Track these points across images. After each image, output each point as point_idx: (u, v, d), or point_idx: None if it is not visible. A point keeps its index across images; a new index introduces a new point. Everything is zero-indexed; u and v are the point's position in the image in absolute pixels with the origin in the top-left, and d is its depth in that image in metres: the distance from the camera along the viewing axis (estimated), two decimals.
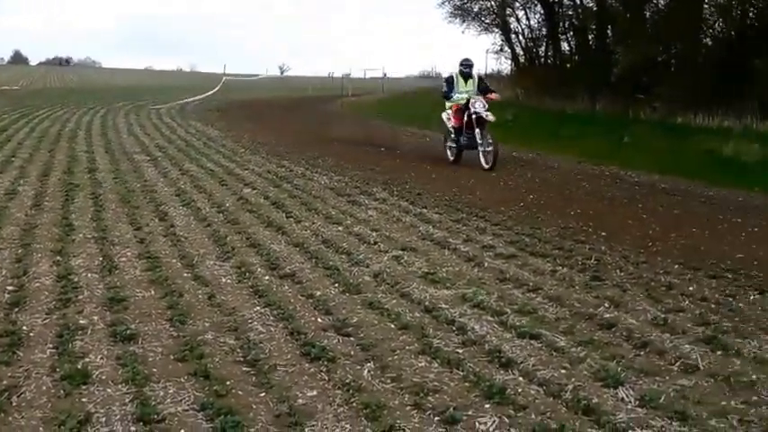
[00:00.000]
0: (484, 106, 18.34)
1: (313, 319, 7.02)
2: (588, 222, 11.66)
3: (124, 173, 15.55)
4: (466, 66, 19.24)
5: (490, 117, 18.27)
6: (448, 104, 19.23)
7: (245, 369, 5.85)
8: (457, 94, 18.94)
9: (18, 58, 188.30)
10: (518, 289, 8.07)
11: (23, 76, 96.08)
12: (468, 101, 18.49)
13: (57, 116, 32.06)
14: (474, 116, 18.18)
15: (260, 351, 6.17)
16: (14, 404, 5.14)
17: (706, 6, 30.40)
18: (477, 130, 18.12)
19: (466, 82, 19.15)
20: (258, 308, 7.26)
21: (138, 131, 25.82)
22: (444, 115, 19.36)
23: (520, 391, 5.55)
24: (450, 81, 19.45)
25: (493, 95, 19.47)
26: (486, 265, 9.00)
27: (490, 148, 17.93)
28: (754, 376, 5.82)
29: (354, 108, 42.75)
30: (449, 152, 19.55)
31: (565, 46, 39.44)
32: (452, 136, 19.17)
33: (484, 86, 19.57)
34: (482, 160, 18.02)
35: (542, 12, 39.50)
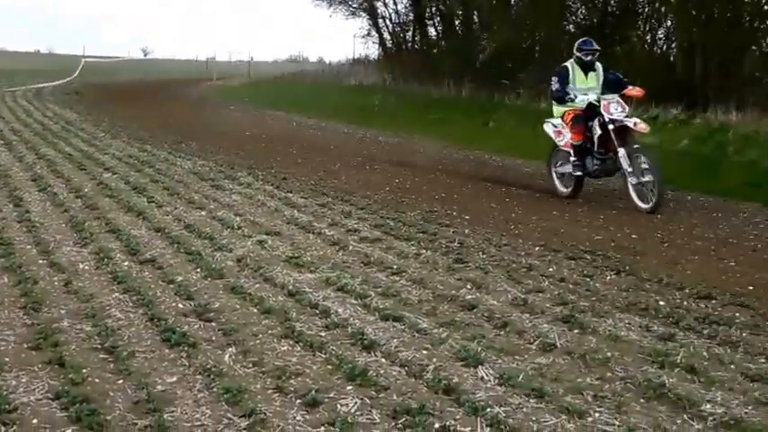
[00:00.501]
0: (624, 110, 12.36)
1: (174, 304, 6.92)
2: (452, 206, 11.77)
3: None
4: (587, 52, 13.15)
5: (641, 126, 12.19)
6: (558, 110, 13.24)
7: (102, 356, 5.72)
8: (578, 95, 12.83)
9: None
10: (382, 272, 8.09)
11: None
12: (595, 104, 12.60)
13: None
14: (613, 126, 12.18)
15: (118, 338, 6.05)
16: None
17: None
18: (620, 150, 12.03)
19: (587, 75, 13.17)
20: (117, 294, 7.12)
21: None
22: (550, 127, 13.45)
23: (382, 372, 5.56)
24: (562, 75, 13.18)
25: (634, 91, 12.88)
26: (350, 248, 9.01)
27: (648, 178, 11.74)
28: (608, 353, 5.95)
29: (220, 92, 42.33)
30: (558, 182, 13.35)
31: (432, 31, 39.80)
32: (572, 158, 12.75)
33: (614, 78, 13.15)
34: (634, 196, 11.96)
35: None
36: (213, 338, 6.15)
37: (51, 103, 30.78)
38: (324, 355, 5.84)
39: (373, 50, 46.22)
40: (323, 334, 6.30)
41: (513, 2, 34.19)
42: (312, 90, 38.07)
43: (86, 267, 7.95)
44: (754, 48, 24.72)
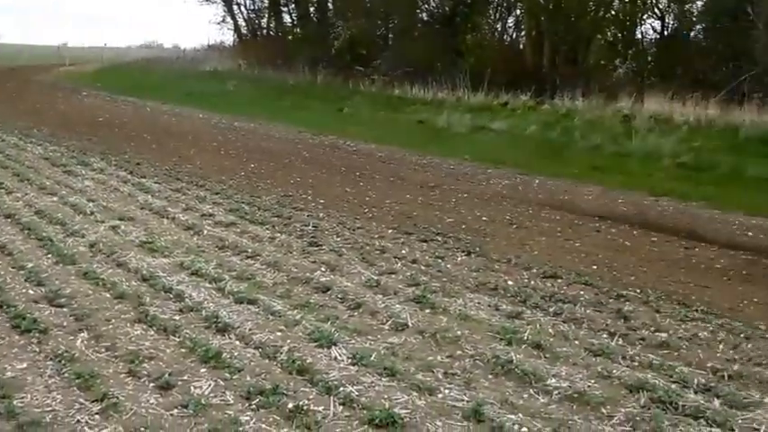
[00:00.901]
0: None
1: (24, 290, 6.81)
2: (307, 190, 11.84)
3: None
4: None
5: None
6: None
7: None
8: None
9: None
10: (237, 256, 8.12)
11: None
12: None
13: None
14: None
15: None
16: None
17: None
18: None
19: None
20: None
21: None
22: None
23: (236, 354, 5.61)
24: None
25: None
26: (205, 233, 9.00)
27: None
28: (458, 332, 6.13)
29: (73, 78, 41.29)
30: None
31: (287, 18, 39.71)
32: None
33: None
34: None
35: None
36: (65, 324, 6.08)
37: None
38: (177, 339, 5.85)
39: (228, 37, 45.91)
40: (177, 318, 6.30)
41: None
42: (167, 76, 37.50)
43: None
44: (599, 37, 25.51)
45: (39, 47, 76.33)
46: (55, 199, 10.47)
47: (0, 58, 64.84)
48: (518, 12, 29.01)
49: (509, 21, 30.02)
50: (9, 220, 9.25)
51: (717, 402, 5.11)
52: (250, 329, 6.08)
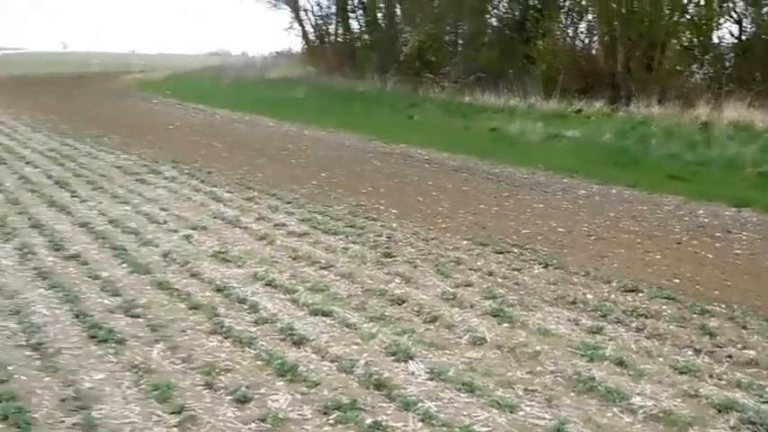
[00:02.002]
0: None
1: (100, 300, 6.81)
2: (380, 200, 11.76)
3: None
4: None
5: None
6: None
7: (27, 353, 5.62)
8: None
9: None
10: (310, 267, 8.06)
11: None
12: None
13: None
14: None
15: (44, 335, 5.94)
16: None
17: None
18: None
19: None
20: (42, 290, 7.00)
21: None
22: None
23: (312, 368, 5.54)
24: None
25: None
26: (278, 243, 8.96)
27: None
28: (537, 347, 6.00)
29: (143, 85, 41.78)
30: None
31: (354, 24, 39.73)
32: None
33: None
34: None
35: None
36: (141, 335, 6.07)
37: None
38: (253, 351, 5.80)
39: (296, 43, 46.14)
40: (252, 329, 6.26)
41: None
42: (236, 83, 37.76)
43: (9, 263, 7.80)
44: (674, 42, 25.10)
45: (108, 54, 77.46)
46: (128, 208, 10.52)
47: (70, 65, 65.96)
48: (590, 16, 28.69)
49: (581, 26, 29.70)
50: (84, 228, 9.30)
51: None
52: (326, 342, 6.01)
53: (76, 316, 6.39)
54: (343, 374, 5.46)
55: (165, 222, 9.74)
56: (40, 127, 20.05)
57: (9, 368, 5.33)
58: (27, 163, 13.84)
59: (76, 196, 11.08)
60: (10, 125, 20.30)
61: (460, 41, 32.88)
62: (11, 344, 5.79)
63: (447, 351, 5.95)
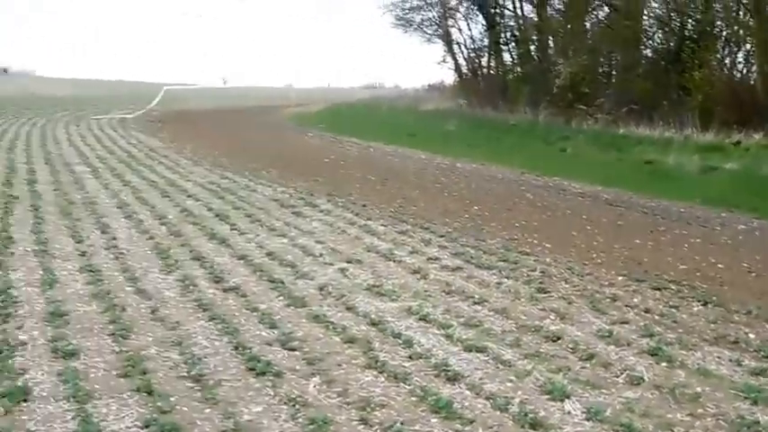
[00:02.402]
0: None
1: (258, 332, 6.95)
2: (533, 234, 11.68)
3: (65, 185, 15.32)
4: None
5: None
6: None
7: (189, 384, 5.77)
8: None
9: None
10: (464, 301, 8.06)
11: None
12: None
13: None
14: None
15: (204, 366, 6.09)
16: None
17: (645, 18, 30.93)
18: None
19: None
20: (202, 322, 7.18)
21: (79, 142, 25.39)
22: None
23: (467, 404, 5.53)
24: None
25: None
26: (431, 277, 8.99)
27: None
28: (698, 388, 5.86)
29: (298, 118, 42.56)
30: None
31: (507, 57, 39.78)
32: None
33: None
34: None
35: (484, 23, 39.81)
36: (297, 368, 6.15)
37: (135, 131, 31.09)
38: (408, 386, 5.82)
39: (448, 76, 46.37)
40: (406, 364, 6.28)
41: (589, 27, 34.11)
42: (389, 116, 38.19)
43: (172, 294, 8.02)
44: None
45: (265, 88, 79.20)
46: (285, 240, 10.72)
47: (230, 99, 67.74)
48: (748, 46, 28.00)
49: (738, 56, 29.02)
50: (242, 261, 9.50)
51: None
52: (480, 379, 5.99)
53: (236, 348, 6.53)
54: (498, 412, 5.43)
55: (321, 255, 9.87)
56: (200, 160, 20.60)
57: (171, 399, 5.47)
58: (189, 196, 14.24)
59: (236, 229, 11.34)
60: (173, 159, 20.92)
61: (614, 73, 32.55)
62: (173, 375, 5.95)
63: (604, 390, 5.86)
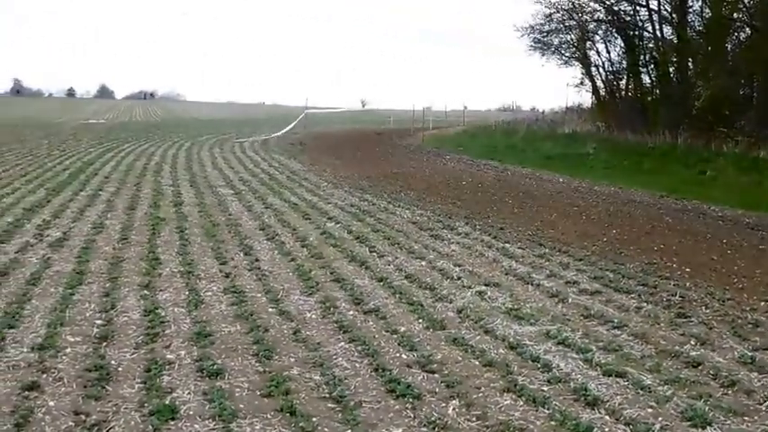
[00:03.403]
0: None
1: (397, 355, 7.05)
2: (672, 258, 11.55)
3: (209, 206, 15.74)
4: None
5: None
6: None
7: (330, 405, 5.90)
8: None
9: (104, 92, 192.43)
10: (603, 326, 8.04)
11: (109, 109, 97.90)
12: None
13: (142, 150, 32.31)
14: None
15: (345, 387, 6.21)
16: None
17: None
18: None
19: None
20: (343, 343, 7.32)
21: (223, 165, 26.08)
22: None
23: (607, 430, 5.54)
24: None
25: None
26: (570, 301, 8.98)
27: None
28: None
29: (435, 141, 42.76)
30: None
31: (645, 79, 39.27)
32: None
33: None
34: None
35: (622, 45, 39.44)
36: (437, 390, 6.23)
37: (276, 154, 31.77)
38: (547, 411, 5.85)
39: (586, 99, 46.00)
40: (545, 388, 6.31)
41: (729, 48, 33.44)
42: (526, 139, 38.05)
43: (313, 316, 8.19)
44: None
45: (403, 111, 79.50)
46: (423, 263, 10.82)
47: (369, 122, 68.32)
48: None
49: None
50: (381, 283, 9.64)
51: None
52: (620, 404, 5.98)
53: (375, 370, 6.64)
54: None
55: (459, 278, 9.94)
56: (340, 183, 20.92)
57: (314, 419, 5.60)
58: (329, 218, 14.48)
59: (375, 251, 11.49)
60: (313, 181, 21.26)
61: (755, 95, 31.81)
62: (315, 396, 6.09)
63: (746, 418, 5.79)
